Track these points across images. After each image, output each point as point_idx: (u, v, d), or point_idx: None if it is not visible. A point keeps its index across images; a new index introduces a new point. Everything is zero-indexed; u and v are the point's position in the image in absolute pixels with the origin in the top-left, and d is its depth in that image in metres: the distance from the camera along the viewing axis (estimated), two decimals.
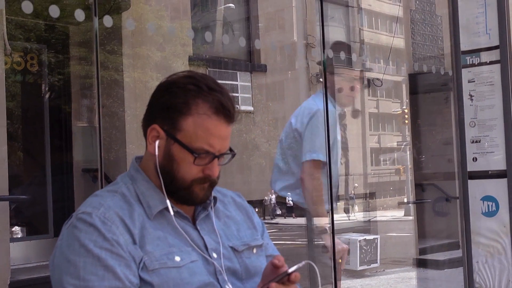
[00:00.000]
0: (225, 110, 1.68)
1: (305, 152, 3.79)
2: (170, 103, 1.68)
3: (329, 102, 3.84)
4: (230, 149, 1.74)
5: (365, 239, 9.61)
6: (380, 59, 11.86)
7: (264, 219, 9.87)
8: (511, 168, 3.30)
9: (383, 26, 12.43)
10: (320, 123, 3.77)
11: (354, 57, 10.82)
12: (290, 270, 1.59)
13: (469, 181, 3.46)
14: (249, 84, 8.78)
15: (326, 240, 3.73)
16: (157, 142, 1.69)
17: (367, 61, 11.58)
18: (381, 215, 11.52)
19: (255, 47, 8.71)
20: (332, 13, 10.93)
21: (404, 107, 11.66)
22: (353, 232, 10.01)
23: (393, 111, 12.69)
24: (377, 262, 9.73)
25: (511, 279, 3.30)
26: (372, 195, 11.41)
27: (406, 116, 11.51)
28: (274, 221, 9.31)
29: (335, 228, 3.67)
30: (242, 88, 8.72)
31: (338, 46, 4.35)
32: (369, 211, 11.27)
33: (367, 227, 10.79)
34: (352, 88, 3.93)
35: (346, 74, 3.95)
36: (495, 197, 3.35)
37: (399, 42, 11.60)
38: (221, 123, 1.68)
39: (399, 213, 11.98)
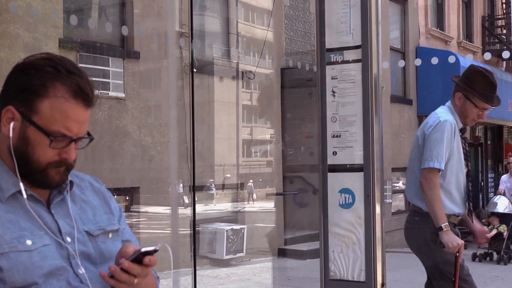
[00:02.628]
0: (84, 94, 1.68)
1: (423, 159, 4.11)
2: (27, 84, 1.66)
3: (450, 113, 4.17)
4: (88, 133, 1.74)
5: (232, 229, 9.74)
6: (255, 52, 12.02)
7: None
8: (368, 162, 3.45)
9: (259, 20, 12.60)
10: (441, 134, 4.08)
11: (232, 50, 10.93)
12: (143, 250, 1.62)
13: (328, 174, 3.58)
14: (122, 70, 8.64)
15: (442, 238, 3.98)
16: (11, 124, 1.66)
17: (243, 53, 11.73)
18: (251, 206, 11.71)
19: (128, 34, 8.57)
20: (210, 4, 10.96)
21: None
22: (221, 222, 10.13)
23: (266, 104, 12.91)
24: (243, 252, 9.89)
25: (363, 268, 3.47)
26: (242, 186, 11.57)
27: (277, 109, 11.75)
28: (143, 210, 9.22)
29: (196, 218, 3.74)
30: (114, 74, 8.57)
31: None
32: (238, 202, 11.42)
33: (235, 217, 10.94)
34: (479, 116, 4.22)
35: (482, 104, 4.18)
36: (352, 189, 3.50)
37: (273, 36, 11.81)
38: (79, 107, 1.68)
39: (269, 204, 12.22)
